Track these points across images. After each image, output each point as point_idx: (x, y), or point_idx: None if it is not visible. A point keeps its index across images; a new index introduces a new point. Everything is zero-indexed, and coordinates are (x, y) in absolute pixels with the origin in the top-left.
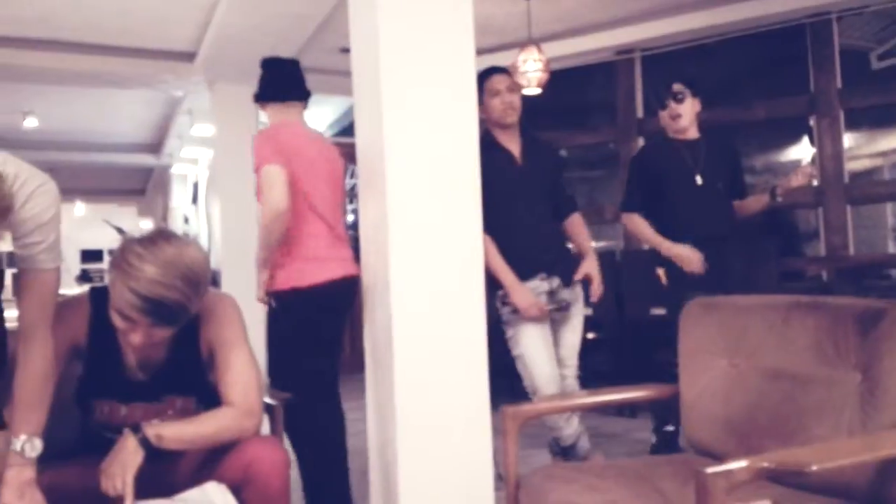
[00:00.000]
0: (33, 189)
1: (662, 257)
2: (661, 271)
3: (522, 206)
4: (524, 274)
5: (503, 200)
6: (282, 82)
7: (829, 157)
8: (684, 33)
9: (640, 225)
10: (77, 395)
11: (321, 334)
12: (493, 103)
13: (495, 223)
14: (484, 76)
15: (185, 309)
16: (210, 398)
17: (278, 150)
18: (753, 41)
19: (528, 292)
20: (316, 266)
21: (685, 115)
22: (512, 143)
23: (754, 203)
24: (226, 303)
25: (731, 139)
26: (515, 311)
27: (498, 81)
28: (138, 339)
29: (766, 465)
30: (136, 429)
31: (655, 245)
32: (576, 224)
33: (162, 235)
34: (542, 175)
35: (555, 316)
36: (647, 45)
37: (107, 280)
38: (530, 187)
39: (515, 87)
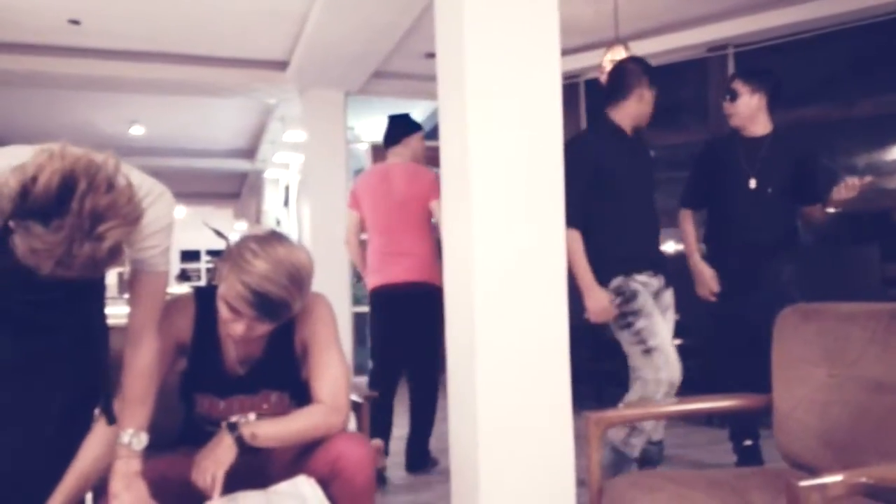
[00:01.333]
0: (154, 198)
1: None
2: None
3: (643, 200)
4: (637, 266)
5: (629, 191)
6: (385, 134)
7: None
8: (781, 28)
9: (684, 225)
10: (180, 389)
11: (373, 331)
12: (642, 108)
13: (617, 214)
14: (650, 74)
15: (287, 306)
16: (302, 393)
17: (353, 197)
18: (856, 35)
19: (604, 297)
20: (371, 276)
21: (736, 115)
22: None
23: (817, 212)
24: (320, 302)
25: (803, 138)
26: (630, 301)
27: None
28: (240, 330)
29: (864, 480)
30: (232, 427)
31: (686, 251)
32: None
33: (276, 237)
34: (651, 172)
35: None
36: (742, 40)
37: (217, 272)
38: (649, 181)
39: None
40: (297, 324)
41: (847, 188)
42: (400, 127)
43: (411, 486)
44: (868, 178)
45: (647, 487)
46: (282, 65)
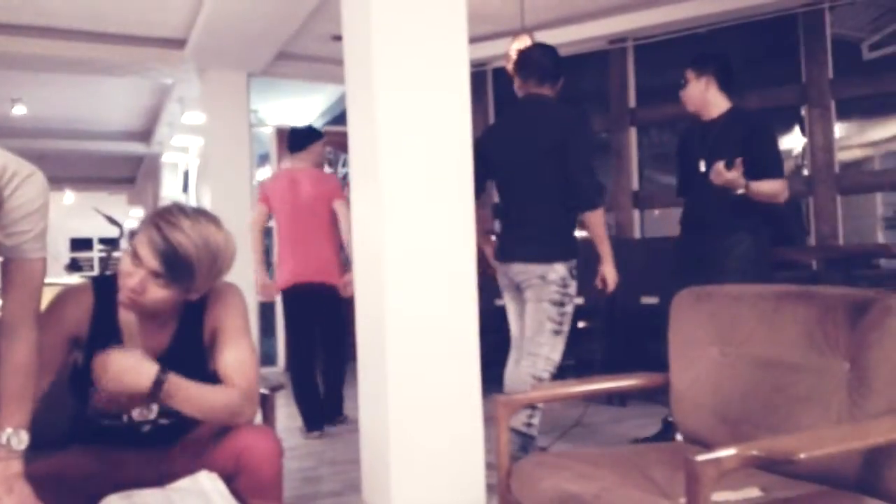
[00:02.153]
0: (22, 180)
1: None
2: None
3: None
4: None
5: None
6: (289, 141)
7: (820, 147)
8: (677, 22)
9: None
10: (73, 384)
11: (287, 325)
12: None
13: None
14: None
15: (192, 273)
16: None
17: (262, 193)
18: (746, 30)
19: None
20: (279, 270)
21: (688, 101)
22: None
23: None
24: (232, 291)
25: (755, 117)
26: (572, 285)
27: None
28: (132, 283)
29: (754, 453)
30: (163, 369)
31: None
32: None
33: (211, 215)
34: None
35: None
36: (640, 34)
37: (137, 228)
38: None
39: None
40: (207, 312)
41: (716, 174)
42: (304, 136)
43: (319, 478)
44: (737, 161)
45: (554, 466)
46: (179, 43)
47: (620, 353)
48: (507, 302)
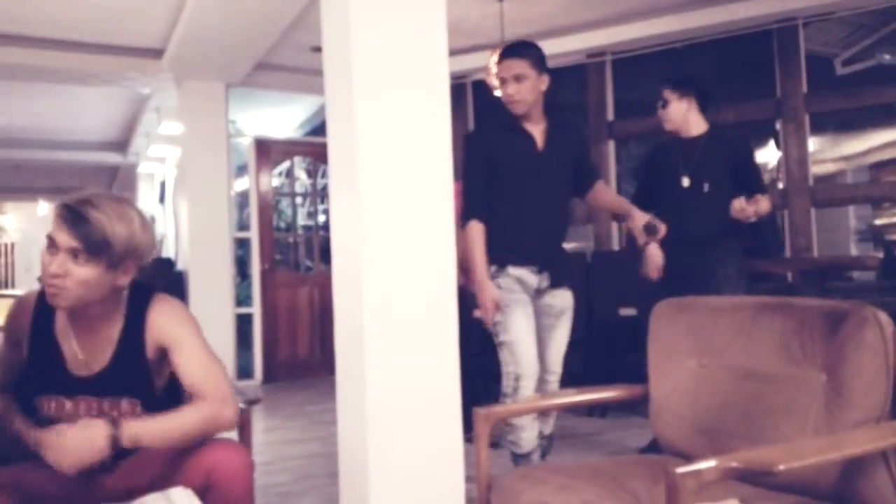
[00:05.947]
0: None
1: (640, 254)
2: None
3: (535, 194)
4: (514, 260)
5: (517, 184)
6: None
7: (795, 161)
8: (654, 37)
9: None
10: (19, 395)
11: None
12: (501, 91)
13: (503, 206)
14: (499, 59)
15: (108, 242)
16: (157, 404)
17: None
18: (722, 45)
19: (495, 293)
20: None
21: (669, 120)
22: (535, 128)
23: (748, 209)
24: (171, 304)
25: (739, 136)
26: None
27: (502, 69)
28: (53, 269)
29: (734, 465)
30: (114, 423)
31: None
32: (602, 190)
33: (129, 200)
34: (563, 163)
35: (545, 322)
36: (618, 48)
37: None
38: (547, 175)
39: (522, 77)
40: (148, 327)
41: (738, 210)
42: None
43: (296, 493)
44: (742, 200)
45: (533, 480)
46: (157, 53)
47: (599, 364)
48: None
